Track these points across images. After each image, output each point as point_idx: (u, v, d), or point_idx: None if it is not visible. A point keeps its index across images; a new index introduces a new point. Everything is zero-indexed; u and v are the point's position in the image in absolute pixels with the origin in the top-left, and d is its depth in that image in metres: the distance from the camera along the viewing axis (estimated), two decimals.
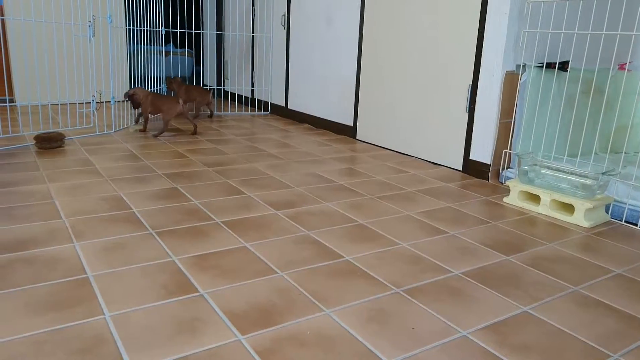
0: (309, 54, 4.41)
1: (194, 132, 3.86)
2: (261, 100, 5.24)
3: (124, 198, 2.29)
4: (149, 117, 3.76)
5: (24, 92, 4.65)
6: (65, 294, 1.44)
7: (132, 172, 2.71)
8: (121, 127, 3.92)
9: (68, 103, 4.07)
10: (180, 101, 3.71)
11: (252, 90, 5.38)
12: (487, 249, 1.93)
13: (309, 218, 2.16)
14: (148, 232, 1.92)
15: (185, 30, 5.23)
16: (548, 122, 2.80)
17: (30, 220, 1.98)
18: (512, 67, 2.80)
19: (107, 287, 1.50)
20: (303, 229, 2.03)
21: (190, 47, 8.05)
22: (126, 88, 5.24)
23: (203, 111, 4.79)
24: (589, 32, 2.44)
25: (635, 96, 3.15)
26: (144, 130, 3.81)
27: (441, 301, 1.52)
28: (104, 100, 4.86)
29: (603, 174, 2.26)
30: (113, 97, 3.96)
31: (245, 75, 5.53)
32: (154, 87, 4.83)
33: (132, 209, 2.16)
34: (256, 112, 5.07)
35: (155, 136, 3.68)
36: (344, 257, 1.79)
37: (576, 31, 2.51)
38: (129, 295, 1.46)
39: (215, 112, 4.93)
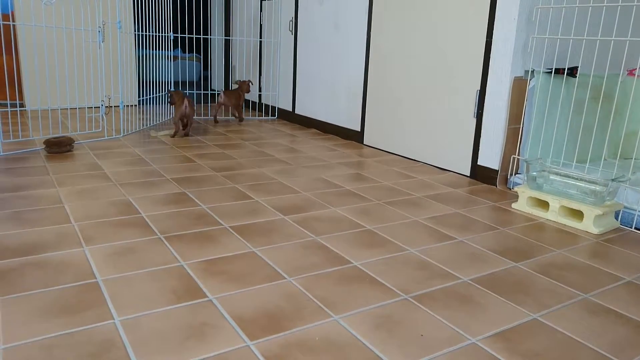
0: (316, 59, 4.42)
1: (179, 133, 3.96)
2: (268, 105, 5.26)
3: (133, 202, 2.31)
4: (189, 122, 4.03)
5: (34, 97, 4.70)
6: (75, 299, 1.45)
7: (140, 177, 2.73)
8: (130, 132, 3.94)
9: (77, 108, 4.10)
10: (186, 101, 3.83)
11: (260, 95, 5.40)
12: (495, 256, 1.92)
13: (317, 223, 2.16)
14: (157, 236, 1.93)
15: (194, 36, 5.26)
16: (557, 127, 2.79)
17: (40, 224, 2.00)
18: (521, 73, 2.80)
19: (117, 291, 1.50)
20: (311, 234, 2.03)
21: (198, 52, 8.09)
22: (135, 93, 5.28)
23: (235, 116, 4.84)
24: (598, 37, 2.44)
25: None
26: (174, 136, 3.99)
27: (450, 308, 1.51)
28: (113, 104, 4.89)
29: (612, 180, 2.25)
30: (122, 102, 3.98)
31: (252, 80, 5.55)
32: (161, 92, 4.86)
33: (140, 213, 2.17)
34: (263, 117, 5.09)
35: (172, 136, 3.86)
36: (352, 262, 1.79)
37: (585, 37, 2.50)
38: (138, 300, 1.46)
39: (222, 117, 4.95)
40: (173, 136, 3.88)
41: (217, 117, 4.86)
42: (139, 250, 1.80)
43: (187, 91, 6.40)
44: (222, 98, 4.55)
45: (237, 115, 4.73)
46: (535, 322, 1.46)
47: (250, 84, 4.71)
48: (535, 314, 1.51)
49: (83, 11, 4.72)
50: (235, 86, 5.52)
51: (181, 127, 3.95)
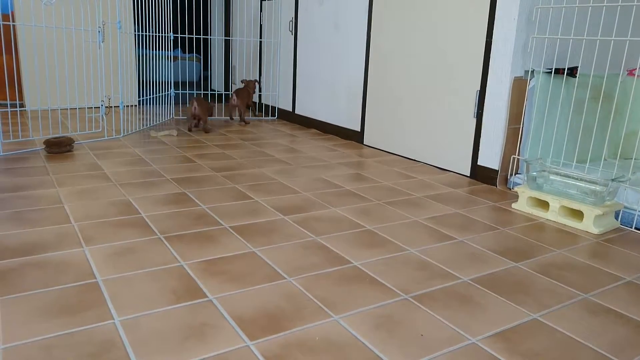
0: (316, 60, 4.42)
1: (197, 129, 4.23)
2: (268, 105, 5.26)
3: (133, 203, 2.31)
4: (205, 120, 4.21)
5: (34, 97, 4.70)
6: (75, 299, 1.45)
7: (140, 177, 2.73)
8: (130, 132, 3.94)
9: (77, 108, 4.10)
10: (194, 102, 4.03)
11: (260, 96, 5.40)
12: (495, 256, 1.92)
13: (317, 223, 2.16)
14: (157, 236, 1.93)
15: (194, 36, 5.26)
16: (557, 127, 2.79)
17: (40, 224, 2.00)
18: (521, 73, 2.80)
19: (117, 291, 1.50)
20: (311, 235, 2.03)
21: (198, 52, 8.09)
22: (135, 93, 5.27)
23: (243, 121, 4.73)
24: (598, 37, 2.44)
25: None
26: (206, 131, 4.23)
27: (450, 308, 1.51)
28: (113, 105, 4.89)
29: (612, 180, 2.25)
30: (122, 102, 3.98)
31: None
32: (160, 93, 4.87)
33: (140, 213, 2.17)
34: (263, 117, 5.09)
35: (207, 132, 4.13)
36: (352, 262, 1.79)
37: (585, 37, 2.50)
38: (138, 300, 1.46)
39: (222, 117, 4.95)
40: (191, 130, 4.13)
41: (232, 116, 4.88)
42: (138, 250, 1.80)
43: (194, 91, 6.39)
44: (234, 100, 4.49)
45: (241, 117, 4.62)
46: (536, 322, 1.46)
47: (256, 83, 4.68)
48: (535, 314, 1.51)
49: (83, 11, 4.72)
50: (241, 85, 5.47)
51: (193, 125, 4.17)
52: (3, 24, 4.49)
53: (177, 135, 3.91)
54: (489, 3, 2.84)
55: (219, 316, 1.40)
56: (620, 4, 2.30)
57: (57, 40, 4.72)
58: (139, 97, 5.43)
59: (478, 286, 1.66)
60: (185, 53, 7.99)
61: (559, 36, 2.62)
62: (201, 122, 4.15)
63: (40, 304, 1.41)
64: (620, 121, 3.08)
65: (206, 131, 4.12)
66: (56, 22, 4.55)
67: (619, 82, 2.70)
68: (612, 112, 2.65)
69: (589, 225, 2.24)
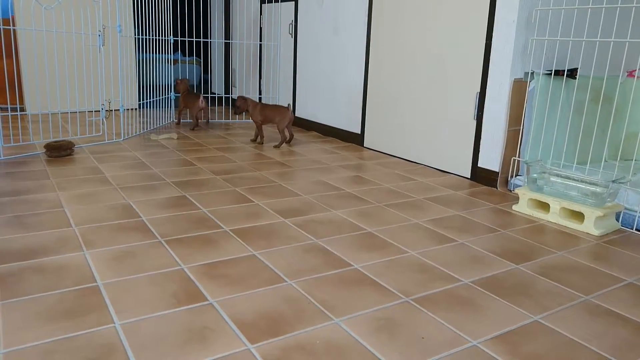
0: (316, 62, 4.42)
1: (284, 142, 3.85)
2: None
3: (133, 206, 2.31)
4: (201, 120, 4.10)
5: (34, 101, 4.70)
6: (75, 303, 1.45)
7: (141, 180, 2.73)
8: (130, 135, 3.94)
9: (78, 112, 4.11)
10: (201, 97, 4.03)
11: (260, 98, 5.40)
12: (496, 258, 1.92)
13: (317, 226, 2.16)
14: (157, 240, 1.93)
15: (194, 39, 5.26)
16: (557, 129, 2.79)
17: (41, 228, 2.00)
18: (520, 75, 2.80)
19: (117, 295, 1.50)
20: (311, 237, 2.03)
21: (198, 55, 8.10)
22: (135, 96, 5.28)
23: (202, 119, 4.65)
24: (597, 39, 2.44)
25: None
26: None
27: (451, 310, 1.51)
28: (113, 108, 4.90)
29: (613, 181, 2.25)
30: (122, 106, 3.99)
31: (252, 83, 5.55)
32: (159, 95, 4.87)
33: (141, 217, 2.17)
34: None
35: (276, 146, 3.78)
36: (352, 265, 1.79)
37: (584, 38, 2.50)
38: (138, 303, 1.46)
39: (222, 120, 4.95)
40: (278, 146, 3.79)
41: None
42: (139, 254, 1.80)
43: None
44: (203, 103, 4.15)
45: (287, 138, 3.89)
46: (536, 324, 1.46)
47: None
48: (536, 316, 1.50)
49: (83, 15, 4.73)
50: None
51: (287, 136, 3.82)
52: (3, 28, 4.51)
53: (177, 139, 3.91)
54: (488, 6, 2.84)
55: (220, 320, 1.40)
56: (619, 5, 2.30)
57: (58, 44, 4.73)
58: (139, 100, 5.43)
59: (479, 288, 1.66)
60: (186, 56, 8.00)
61: (558, 38, 2.63)
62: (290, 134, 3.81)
63: (40, 308, 1.41)
64: (620, 122, 3.08)
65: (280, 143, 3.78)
66: (56, 26, 4.56)
67: (619, 84, 2.70)
68: (612, 114, 2.65)
69: (590, 226, 2.23)
